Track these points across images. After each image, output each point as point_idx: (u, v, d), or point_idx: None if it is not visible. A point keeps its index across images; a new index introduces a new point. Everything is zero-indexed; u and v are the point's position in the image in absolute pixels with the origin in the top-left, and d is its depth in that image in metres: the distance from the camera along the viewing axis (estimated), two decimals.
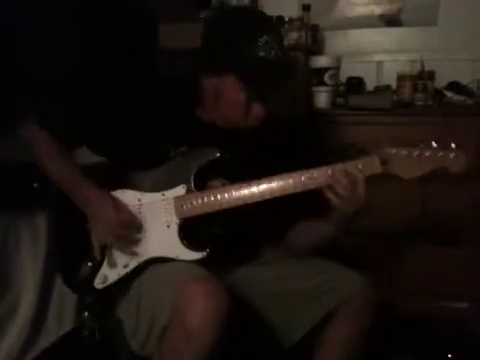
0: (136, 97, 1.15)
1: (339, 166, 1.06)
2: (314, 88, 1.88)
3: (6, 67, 1.48)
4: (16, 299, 1.44)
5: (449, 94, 1.88)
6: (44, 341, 1.46)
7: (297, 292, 1.18)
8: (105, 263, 1.14)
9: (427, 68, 1.86)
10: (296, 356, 1.26)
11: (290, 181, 1.07)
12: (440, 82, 1.89)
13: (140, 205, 1.14)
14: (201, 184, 1.13)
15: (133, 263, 1.12)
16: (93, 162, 1.19)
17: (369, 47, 2.12)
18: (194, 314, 0.95)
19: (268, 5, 2.05)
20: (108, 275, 1.13)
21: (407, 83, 1.83)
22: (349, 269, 1.19)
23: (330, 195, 1.05)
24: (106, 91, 1.17)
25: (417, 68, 1.89)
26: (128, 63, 1.71)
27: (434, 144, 1.05)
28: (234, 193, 1.09)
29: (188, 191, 1.12)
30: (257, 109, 1.09)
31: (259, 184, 1.09)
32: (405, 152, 1.05)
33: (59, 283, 1.41)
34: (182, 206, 1.11)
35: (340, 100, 1.91)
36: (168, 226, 1.12)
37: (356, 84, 1.95)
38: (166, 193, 1.13)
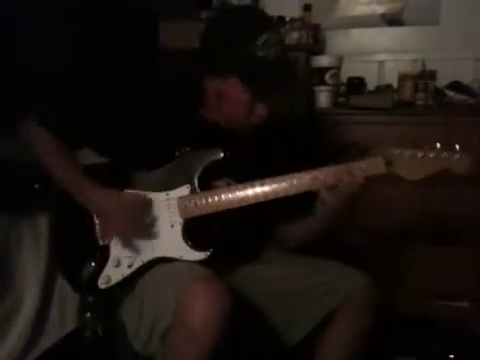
0: (138, 97, 1.15)
1: (344, 167, 1.06)
2: (315, 88, 1.88)
3: (7, 67, 1.47)
4: (18, 299, 1.43)
5: (450, 93, 1.88)
6: (46, 341, 1.46)
7: (298, 292, 1.18)
8: (109, 263, 1.14)
9: (428, 67, 1.86)
10: (298, 356, 1.26)
11: (294, 181, 1.07)
12: (441, 81, 1.89)
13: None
14: (205, 184, 1.13)
15: (137, 263, 1.12)
16: (95, 162, 1.19)
17: (370, 47, 2.13)
18: (197, 314, 0.95)
19: (269, 5, 2.05)
20: (112, 275, 1.13)
21: (408, 83, 1.83)
22: (351, 268, 1.19)
23: (328, 194, 1.06)
24: (108, 91, 1.17)
25: (418, 67, 1.89)
26: (129, 63, 1.70)
27: (438, 145, 1.05)
28: (238, 193, 1.10)
29: (192, 191, 1.12)
30: (260, 109, 1.09)
31: (262, 184, 1.09)
32: (409, 153, 1.05)
33: (61, 283, 1.41)
34: (186, 206, 1.11)
35: (341, 100, 1.91)
36: (172, 226, 1.12)
37: (357, 84, 1.95)
38: (170, 193, 1.13)
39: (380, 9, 2.12)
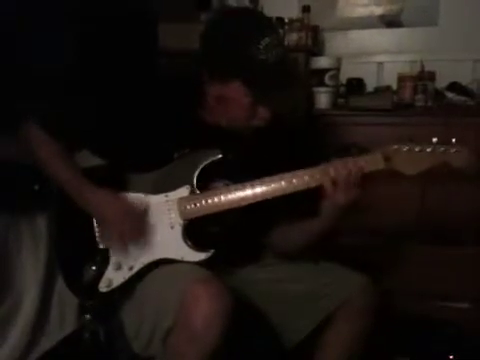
0: (137, 98, 1.15)
1: (342, 162, 1.06)
2: (315, 89, 1.88)
3: (6, 68, 1.47)
4: (18, 300, 1.43)
5: (449, 95, 1.88)
6: (46, 342, 1.45)
7: (298, 294, 1.19)
8: (109, 266, 1.13)
9: (427, 69, 1.86)
10: (297, 357, 1.26)
11: (293, 180, 1.08)
12: (440, 83, 1.89)
13: (144, 207, 1.13)
14: (204, 185, 1.14)
15: (138, 265, 1.12)
16: (94, 164, 1.18)
17: (369, 48, 2.13)
18: (199, 315, 0.95)
19: (268, 6, 2.05)
20: (113, 278, 1.12)
21: (407, 84, 1.83)
22: (350, 270, 1.19)
23: (329, 190, 1.06)
24: (107, 92, 1.17)
25: (417, 69, 1.88)
26: (129, 64, 1.70)
27: (434, 140, 1.05)
28: (237, 194, 1.10)
29: (191, 192, 1.12)
30: (263, 112, 1.09)
31: (261, 184, 1.09)
32: (407, 148, 1.06)
33: (60, 285, 1.41)
34: (186, 207, 1.12)
35: (341, 101, 1.91)
36: (172, 227, 1.12)
37: (356, 85, 1.95)
38: (169, 194, 1.13)
39: (379, 10, 2.12)
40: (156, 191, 1.14)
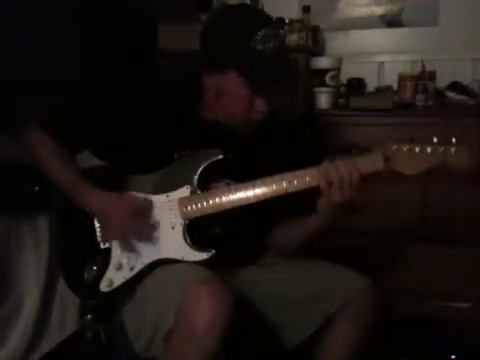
0: (137, 99, 1.15)
1: (342, 162, 1.06)
2: (315, 89, 1.88)
3: (6, 68, 1.47)
4: (19, 301, 1.43)
5: (450, 94, 1.88)
6: (47, 343, 1.46)
7: (299, 295, 1.18)
8: (110, 266, 1.13)
9: (428, 68, 1.86)
10: (298, 357, 1.26)
11: (293, 179, 1.08)
12: (441, 82, 1.89)
13: None
14: (205, 185, 1.14)
15: (139, 265, 1.12)
16: (95, 165, 1.18)
17: (370, 48, 2.13)
18: (200, 316, 0.95)
19: (268, 6, 2.03)
20: (114, 278, 1.12)
21: (408, 84, 1.83)
22: (350, 271, 1.19)
23: (328, 190, 1.06)
24: (107, 93, 1.17)
25: (418, 68, 1.89)
26: (129, 65, 1.70)
27: (435, 140, 1.05)
28: (238, 193, 1.10)
29: (192, 192, 1.12)
30: (260, 104, 1.09)
31: (262, 183, 1.09)
32: (407, 148, 1.05)
33: (62, 285, 1.41)
34: (186, 207, 1.11)
35: (341, 101, 1.91)
36: (173, 227, 1.12)
37: (357, 85, 1.95)
38: (170, 195, 1.13)
39: (379, 10, 2.12)
40: (157, 191, 1.14)
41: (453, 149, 1.03)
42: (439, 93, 1.87)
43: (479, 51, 2.00)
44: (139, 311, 1.09)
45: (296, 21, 1.94)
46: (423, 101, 1.80)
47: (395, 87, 1.91)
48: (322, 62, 1.88)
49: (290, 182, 1.08)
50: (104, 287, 1.12)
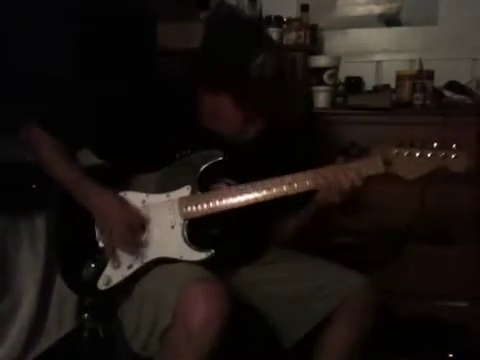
0: (138, 98, 1.15)
1: (343, 167, 1.06)
2: (313, 88, 1.88)
3: (6, 68, 1.47)
4: (16, 299, 1.43)
5: (448, 93, 1.88)
6: (45, 341, 1.46)
7: (297, 294, 1.18)
8: (109, 264, 1.13)
9: (426, 67, 1.86)
10: (297, 356, 1.26)
11: (293, 182, 1.08)
12: (439, 81, 1.89)
13: (144, 206, 1.14)
14: (205, 185, 1.14)
15: (137, 264, 1.12)
16: (96, 163, 1.18)
17: (368, 47, 2.13)
18: (196, 315, 0.95)
19: (267, 5, 2.05)
20: (112, 276, 1.12)
21: (406, 82, 1.83)
22: (349, 270, 1.19)
23: (327, 194, 1.06)
24: (107, 92, 1.16)
25: (416, 67, 1.89)
26: (129, 64, 1.70)
27: (435, 145, 1.05)
28: (238, 194, 1.10)
29: (192, 192, 1.12)
30: (252, 127, 1.10)
31: (262, 186, 1.09)
32: (407, 153, 1.06)
33: (59, 284, 1.41)
34: (186, 207, 1.12)
35: (339, 100, 1.91)
36: (172, 227, 1.12)
37: (355, 84, 1.95)
38: (170, 194, 1.13)
39: (377, 9, 2.12)
40: (157, 191, 1.14)
41: (453, 154, 1.04)
42: (437, 92, 1.87)
43: (477, 50, 2.00)
44: (137, 309, 1.09)
45: (294, 20, 1.93)
46: (421, 100, 1.80)
47: (393, 86, 1.91)
48: (320, 61, 1.87)
49: (290, 185, 1.08)
50: (102, 285, 1.12)
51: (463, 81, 1.91)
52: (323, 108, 1.88)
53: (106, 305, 1.16)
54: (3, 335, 1.39)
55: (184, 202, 1.12)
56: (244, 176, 1.12)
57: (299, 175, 1.08)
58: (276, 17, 1.93)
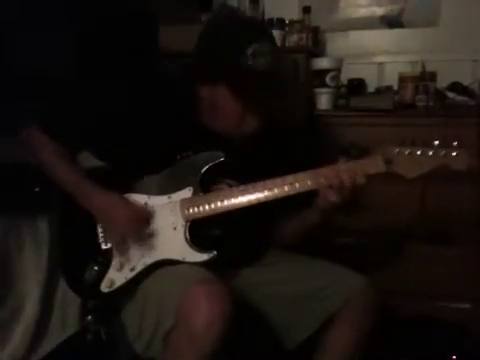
0: (139, 100, 1.15)
1: (344, 166, 1.07)
2: (316, 90, 1.88)
3: (6, 68, 1.47)
4: (20, 302, 1.43)
5: (451, 95, 1.87)
6: (48, 344, 1.46)
7: (299, 295, 1.19)
8: (112, 267, 1.14)
9: (428, 69, 1.85)
10: (298, 357, 1.27)
11: (295, 182, 1.08)
12: (441, 83, 1.88)
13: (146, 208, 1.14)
14: (207, 186, 1.14)
15: (140, 266, 1.12)
16: (97, 165, 1.19)
17: (370, 48, 2.12)
18: (198, 317, 0.95)
19: (269, 7, 2.05)
20: (115, 279, 1.13)
21: (409, 84, 1.83)
22: (350, 270, 1.19)
23: (328, 193, 1.07)
24: (108, 94, 1.16)
25: (418, 69, 1.88)
26: (130, 65, 1.70)
27: (436, 143, 1.06)
28: (239, 195, 1.10)
29: (194, 193, 1.13)
30: (251, 119, 1.09)
31: (263, 186, 1.10)
32: (408, 151, 1.06)
33: (62, 286, 1.41)
34: (188, 208, 1.12)
35: (342, 101, 1.90)
36: (174, 228, 1.13)
37: (358, 85, 1.95)
38: (172, 196, 1.14)
39: (379, 11, 2.12)
40: (159, 192, 1.15)
41: (454, 153, 1.04)
42: (439, 94, 1.86)
43: (479, 52, 1.99)
44: (139, 311, 1.10)
45: (296, 22, 1.93)
46: (424, 102, 1.80)
47: (395, 88, 1.91)
48: (323, 63, 1.87)
49: (292, 185, 1.09)
50: (105, 287, 1.13)
51: (466, 82, 1.90)
52: (325, 110, 1.87)
53: (109, 307, 1.17)
54: (6, 337, 1.39)
55: (186, 203, 1.12)
56: (245, 177, 1.12)
57: (300, 175, 1.09)
58: (278, 19, 1.93)
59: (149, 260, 1.12)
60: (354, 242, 1.75)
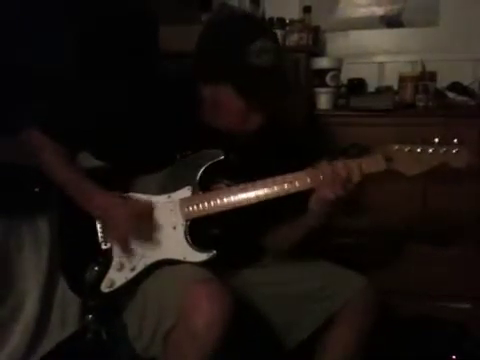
0: (139, 100, 1.15)
1: (343, 164, 1.06)
2: (316, 89, 1.88)
3: (6, 68, 1.47)
4: (19, 301, 1.43)
5: (451, 95, 1.87)
6: (48, 343, 1.46)
7: (299, 295, 1.19)
8: (112, 267, 1.14)
9: (428, 69, 1.86)
10: (298, 357, 1.27)
11: (294, 180, 1.08)
12: (441, 83, 1.89)
13: None
14: (206, 186, 1.14)
15: (140, 266, 1.12)
16: (96, 165, 1.19)
17: (370, 48, 2.13)
18: (199, 316, 0.95)
19: (269, 7, 2.05)
20: (115, 279, 1.13)
21: (409, 84, 1.83)
22: (350, 271, 1.20)
23: (326, 192, 1.05)
24: (108, 94, 1.17)
25: (418, 69, 1.89)
26: (130, 65, 1.70)
27: (436, 140, 1.06)
28: (239, 194, 1.10)
29: (194, 193, 1.13)
30: (255, 117, 1.09)
31: (263, 184, 1.09)
32: (408, 149, 1.06)
33: (62, 285, 1.41)
34: (188, 208, 1.12)
35: (342, 101, 1.90)
36: (174, 228, 1.12)
37: (358, 85, 1.95)
38: (172, 195, 1.14)
39: (379, 11, 2.12)
40: (158, 192, 1.14)
41: (454, 150, 1.04)
42: (439, 93, 1.86)
43: (479, 51, 1.99)
44: (140, 311, 1.10)
45: (297, 21, 1.93)
46: (424, 101, 1.80)
47: (396, 87, 1.91)
48: (323, 62, 1.87)
49: (291, 183, 1.08)
50: (105, 288, 1.13)
51: (466, 82, 1.91)
52: (325, 110, 1.87)
53: (110, 307, 1.17)
54: (6, 337, 1.39)
55: (185, 203, 1.12)
56: (245, 176, 1.12)
57: (300, 173, 1.08)
58: (278, 19, 1.93)
59: (149, 260, 1.12)
60: (354, 242, 1.75)
